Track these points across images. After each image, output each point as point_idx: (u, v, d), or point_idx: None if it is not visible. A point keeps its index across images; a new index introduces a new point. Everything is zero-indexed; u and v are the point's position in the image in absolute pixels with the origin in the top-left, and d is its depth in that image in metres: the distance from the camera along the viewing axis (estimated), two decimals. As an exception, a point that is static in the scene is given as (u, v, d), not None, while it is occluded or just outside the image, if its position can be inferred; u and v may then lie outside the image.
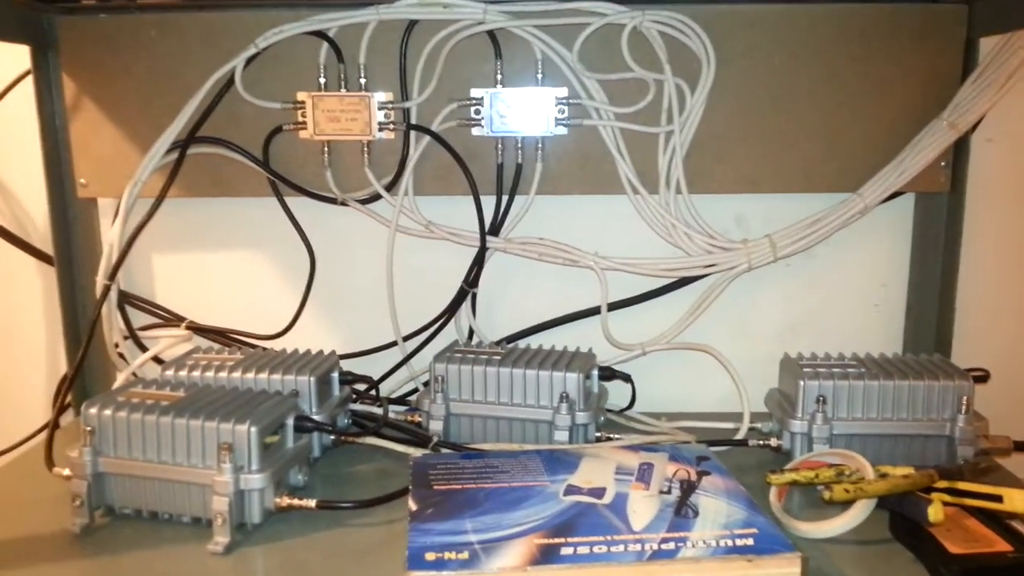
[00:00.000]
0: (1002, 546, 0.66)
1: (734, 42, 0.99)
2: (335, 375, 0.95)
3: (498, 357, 0.95)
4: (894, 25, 1.00)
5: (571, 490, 0.73)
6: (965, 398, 0.85)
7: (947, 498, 0.72)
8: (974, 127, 1.00)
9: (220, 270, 1.11)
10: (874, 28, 1.00)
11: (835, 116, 1.02)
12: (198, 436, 0.75)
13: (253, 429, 0.74)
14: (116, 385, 1.05)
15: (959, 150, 1.01)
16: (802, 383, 0.87)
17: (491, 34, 1.00)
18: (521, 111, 1.01)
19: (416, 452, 0.90)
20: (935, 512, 0.67)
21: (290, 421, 0.80)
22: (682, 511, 0.69)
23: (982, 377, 0.91)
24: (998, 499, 0.70)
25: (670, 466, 0.77)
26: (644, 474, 0.75)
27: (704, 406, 1.06)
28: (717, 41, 0.98)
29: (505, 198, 1.04)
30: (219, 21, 1.00)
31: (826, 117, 1.02)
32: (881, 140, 1.01)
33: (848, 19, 0.99)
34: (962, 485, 0.72)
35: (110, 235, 1.02)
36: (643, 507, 0.69)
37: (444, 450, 0.90)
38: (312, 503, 0.76)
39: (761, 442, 0.90)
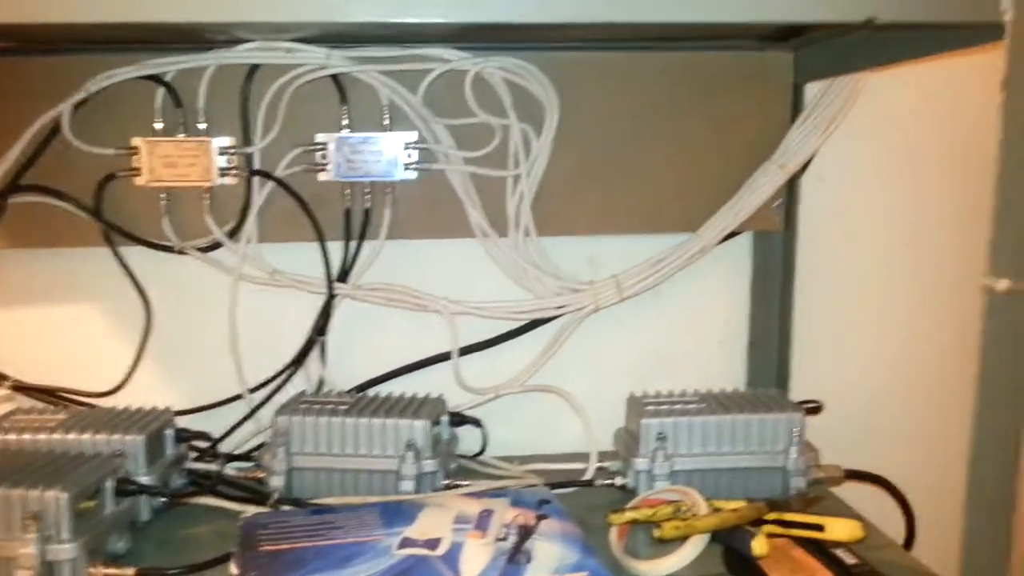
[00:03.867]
0: (823, 574, 0.68)
1: (578, 87, 1.01)
2: (169, 433, 0.91)
3: (344, 407, 0.93)
4: (727, 70, 1.04)
5: (406, 543, 0.71)
6: (797, 430, 0.88)
7: (776, 529, 0.73)
8: (804, 168, 1.05)
9: (50, 325, 1.04)
10: (709, 73, 1.04)
11: (676, 158, 1.05)
12: (2, 505, 0.69)
13: (64, 495, 0.69)
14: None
15: (791, 190, 1.06)
16: (644, 421, 0.88)
17: (335, 79, 0.99)
18: (369, 156, 1.00)
19: (255, 510, 0.86)
20: (759, 545, 0.68)
21: (109, 484, 0.76)
22: (515, 558, 0.68)
23: (815, 409, 0.94)
24: (820, 528, 0.72)
25: (510, 511, 0.77)
26: (483, 521, 0.74)
27: (557, 448, 1.05)
28: (561, 86, 1.00)
29: (354, 244, 1.03)
30: (46, 65, 0.96)
31: (668, 159, 1.05)
32: (718, 181, 1.05)
33: (684, 64, 1.03)
34: (789, 516, 0.74)
35: (-78, 290, 0.95)
36: (477, 556, 0.68)
37: (285, 507, 0.87)
38: (131, 572, 0.72)
39: (608, 482, 0.91)
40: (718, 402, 0.92)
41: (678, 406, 0.90)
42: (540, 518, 0.75)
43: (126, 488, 0.77)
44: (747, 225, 1.04)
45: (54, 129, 0.96)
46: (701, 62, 1.04)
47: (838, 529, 0.71)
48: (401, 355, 1.08)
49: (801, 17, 0.75)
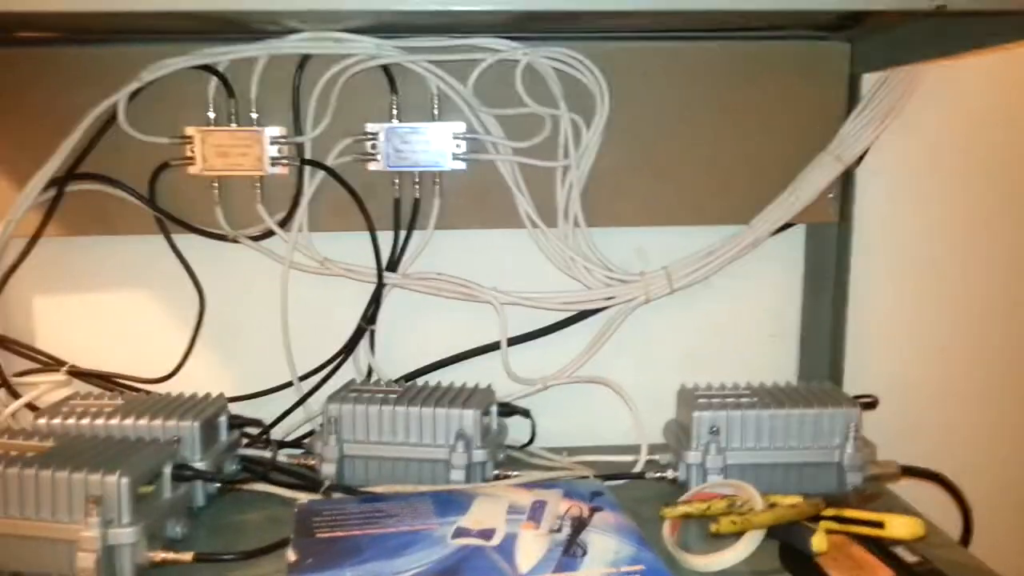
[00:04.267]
0: (884, 573, 0.67)
1: (628, 78, 1.00)
2: (222, 419, 0.91)
3: (394, 396, 0.93)
4: (782, 61, 1.02)
5: (460, 532, 0.71)
6: (853, 425, 0.87)
7: (833, 526, 0.72)
8: (859, 160, 1.03)
9: (105, 312, 1.06)
10: (763, 64, 1.02)
11: (727, 150, 1.03)
12: (64, 489, 0.70)
13: (124, 480, 0.70)
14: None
15: (846, 183, 1.04)
16: (696, 414, 0.87)
17: (385, 69, 0.99)
18: (418, 146, 1.00)
19: (307, 496, 0.87)
20: (818, 541, 0.67)
21: (167, 470, 0.76)
22: (571, 550, 0.68)
23: (870, 404, 0.93)
24: (880, 525, 0.70)
25: (563, 503, 0.76)
26: (536, 513, 0.74)
27: (606, 439, 1.05)
28: (611, 77, 0.99)
29: (403, 233, 1.03)
30: (102, 55, 0.97)
31: (718, 151, 1.03)
32: (771, 173, 1.03)
33: (738, 55, 1.02)
34: (847, 512, 0.73)
35: (-21, 276, 0.97)
36: (532, 547, 0.68)
37: (337, 494, 0.87)
38: (188, 556, 0.73)
39: (658, 474, 0.90)
40: (771, 396, 0.91)
41: (730, 399, 0.89)
42: (594, 510, 0.75)
43: (183, 474, 0.78)
44: (801, 217, 1.03)
45: (110, 118, 0.97)
46: (755, 52, 1.02)
47: (898, 526, 0.69)
48: (449, 345, 1.08)
49: (871, 5, 0.74)
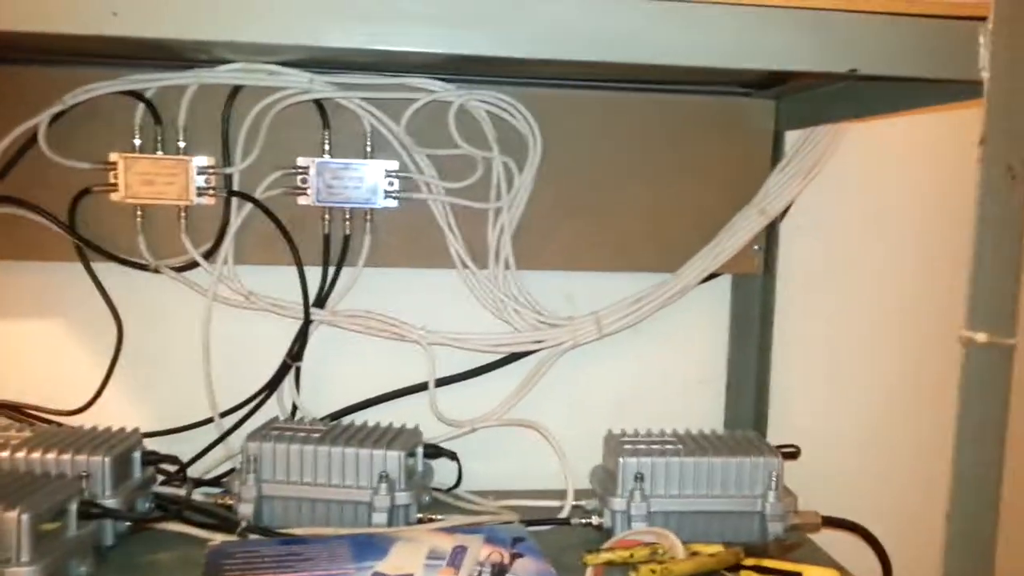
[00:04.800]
0: (800, 623, 0.67)
1: (560, 124, 1.02)
2: (136, 455, 0.88)
3: (317, 435, 0.91)
4: (709, 115, 1.05)
5: (377, 577, 0.69)
6: (775, 474, 0.88)
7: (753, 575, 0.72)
8: (784, 213, 1.06)
9: (18, 339, 1.02)
10: (691, 117, 1.05)
11: (657, 199, 1.05)
12: (-41, 526, 0.67)
13: (24, 516, 0.67)
14: None
15: (770, 235, 1.07)
16: (621, 460, 0.87)
17: (318, 103, 0.98)
18: (350, 182, 0.99)
19: (222, 537, 0.84)
20: (737, 591, 0.67)
21: (73, 506, 0.73)
22: (490, 597, 0.66)
23: (792, 453, 0.94)
24: None
25: (484, 548, 0.75)
26: (456, 558, 0.73)
27: (533, 484, 1.04)
28: (543, 122, 1.00)
29: (332, 270, 1.02)
30: (26, 75, 0.94)
31: (648, 199, 1.05)
32: (698, 223, 1.05)
33: (667, 107, 1.04)
34: (766, 562, 0.74)
35: None
36: (451, 594, 0.67)
37: (254, 535, 0.85)
38: (91, 599, 0.69)
39: (584, 520, 0.90)
40: (696, 443, 0.91)
41: (656, 446, 0.90)
42: (515, 556, 0.74)
43: (90, 511, 0.74)
44: (726, 268, 1.05)
45: (30, 140, 0.94)
46: (683, 105, 1.05)
47: (815, 576, 0.70)
48: (376, 384, 1.06)
49: (788, 65, 0.75)
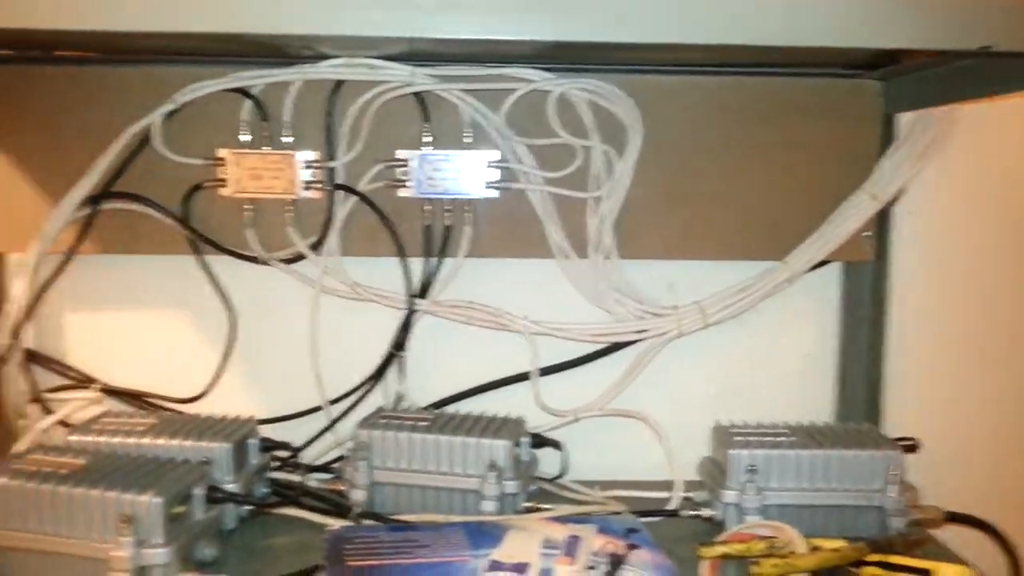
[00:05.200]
0: (933, 621, 0.65)
1: (661, 110, 1.00)
2: (253, 442, 0.91)
3: (425, 423, 0.92)
4: (815, 97, 1.02)
5: (494, 566, 0.69)
6: (895, 467, 0.85)
7: (878, 572, 0.70)
8: (895, 198, 1.02)
9: (136, 330, 1.06)
10: (797, 100, 1.02)
11: (761, 185, 1.03)
12: (97, 507, 0.70)
13: (157, 500, 0.69)
14: (15, 451, 0.99)
15: (882, 221, 1.03)
16: (732, 452, 0.86)
17: (419, 96, 0.99)
18: (450, 173, 1.00)
19: (336, 522, 0.86)
20: (865, 586, 0.65)
21: (199, 491, 0.75)
22: (609, 587, 0.66)
23: (911, 447, 0.91)
24: (927, 573, 0.69)
25: (598, 539, 0.75)
26: (571, 548, 0.73)
27: (637, 474, 1.03)
28: (644, 109, 0.99)
29: (434, 260, 1.02)
30: (138, 75, 0.97)
31: (753, 185, 1.03)
32: (806, 209, 1.02)
33: (772, 91, 1.01)
34: (893, 559, 0.71)
35: (15, 291, 0.97)
36: (569, 583, 0.66)
37: (367, 521, 0.86)
38: (220, 580, 0.72)
39: (693, 512, 0.89)
40: (809, 435, 0.89)
41: (768, 438, 0.88)
42: (630, 547, 0.73)
43: (215, 495, 0.77)
44: (836, 255, 1.02)
45: (144, 139, 0.98)
46: (789, 88, 1.02)
47: (948, 575, 0.68)
48: (478, 374, 1.07)
49: (915, 44, 0.73)
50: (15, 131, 0.98)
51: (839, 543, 0.73)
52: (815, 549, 0.73)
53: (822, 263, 1.03)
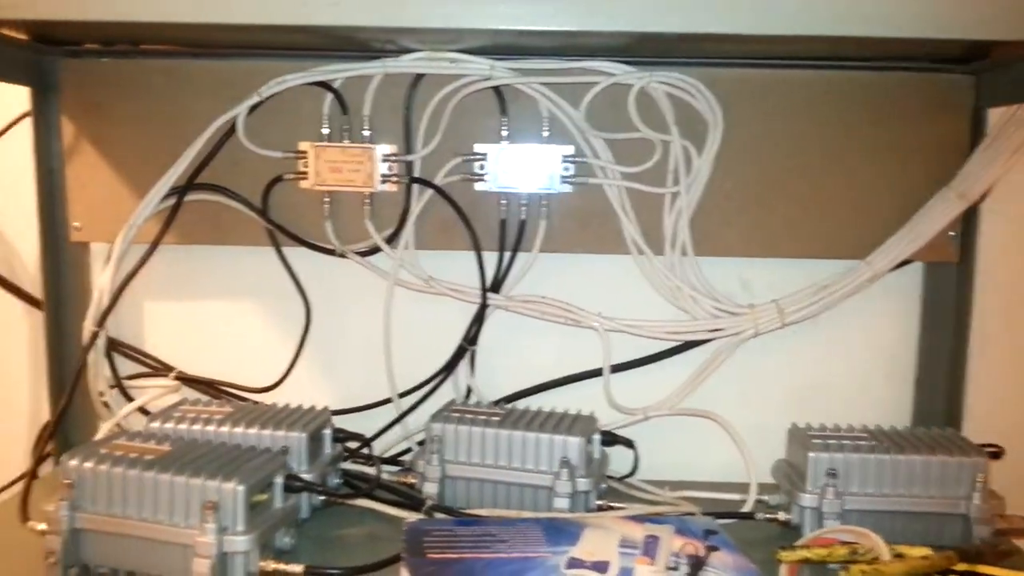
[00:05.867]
0: (1028, 636, 0.63)
1: (742, 105, 0.99)
2: (327, 432, 0.91)
3: (497, 418, 0.92)
4: (902, 92, 0.99)
5: (574, 563, 0.69)
6: (980, 475, 0.82)
7: (967, 582, 0.68)
8: (982, 198, 0.99)
9: (212, 319, 1.08)
10: (882, 96, 0.99)
11: (843, 182, 1.01)
12: (182, 493, 0.71)
13: (240, 488, 0.70)
14: (99, 435, 1.02)
15: (968, 221, 1.00)
16: (812, 455, 0.84)
17: (497, 90, 0.99)
18: (527, 168, 0.99)
19: (408, 515, 0.87)
20: (957, 597, 0.63)
21: (279, 480, 0.76)
22: (690, 589, 0.65)
23: (996, 453, 0.88)
24: (1021, 585, 0.66)
25: (676, 539, 0.74)
26: (650, 548, 0.72)
27: (706, 475, 1.02)
28: (725, 104, 0.97)
29: (508, 255, 1.02)
30: (222, 69, 0.99)
31: (834, 182, 1.01)
32: (889, 207, 1.00)
33: (856, 86, 0.99)
34: (983, 569, 0.69)
35: (101, 280, 0.99)
36: (649, 583, 0.66)
37: (437, 514, 0.87)
38: (299, 569, 0.72)
39: (768, 515, 0.87)
40: (890, 440, 0.87)
41: (847, 441, 0.86)
42: (709, 549, 0.72)
43: (294, 484, 0.78)
44: (920, 255, 0.99)
45: (228, 131, 0.99)
46: (874, 82, 0.99)
47: (1043, 587, 0.65)
48: (547, 369, 1.07)
49: (1013, 35, 0.71)
50: (102, 124, 1.01)
51: (925, 551, 0.71)
52: (898, 556, 0.71)
53: (904, 263, 1.00)
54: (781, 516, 0.86)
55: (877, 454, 0.83)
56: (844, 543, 0.75)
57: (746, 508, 0.92)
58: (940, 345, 1.03)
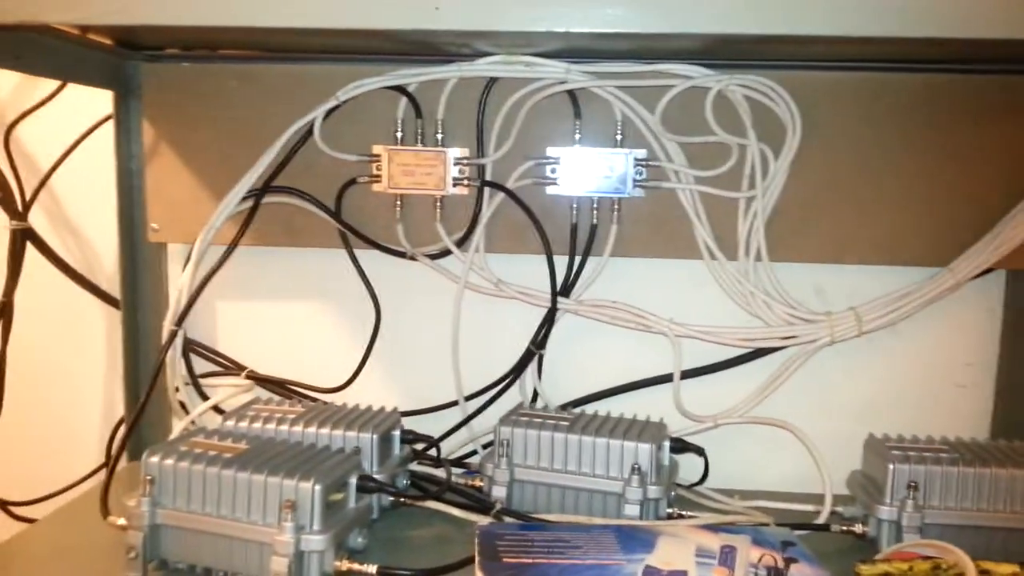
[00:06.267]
0: None
1: (820, 108, 0.97)
2: (396, 433, 0.92)
3: (566, 423, 0.91)
4: (985, 95, 0.96)
5: (650, 571, 0.68)
6: (1070, 492, 0.80)
7: (1058, 602, 0.66)
8: (1070, 204, 0.96)
9: (283, 319, 1.09)
10: (964, 99, 0.97)
11: (922, 187, 0.98)
12: (260, 491, 0.72)
13: (317, 487, 0.71)
14: (175, 433, 1.04)
15: (1054, 227, 0.97)
16: (891, 467, 0.82)
17: (571, 93, 0.98)
18: (599, 171, 0.99)
19: (476, 518, 0.87)
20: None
21: (353, 480, 0.77)
22: (770, 601, 0.64)
23: (1085, 469, 0.85)
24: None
25: (754, 550, 0.73)
26: (727, 558, 0.71)
27: (775, 484, 1.00)
28: (803, 107, 0.96)
29: (578, 259, 1.02)
30: (300, 73, 1.01)
31: (913, 188, 0.98)
32: (971, 214, 0.97)
33: (937, 89, 0.97)
34: (1075, 588, 0.66)
35: (180, 280, 1.01)
36: (727, 594, 0.65)
37: (506, 518, 0.86)
38: (372, 569, 0.73)
39: (844, 527, 0.85)
40: (972, 452, 0.84)
41: (928, 453, 0.83)
42: (788, 561, 0.71)
43: (367, 485, 0.78)
44: (1005, 262, 0.96)
45: (305, 135, 1.00)
46: (957, 85, 0.97)
47: None
48: (615, 374, 1.06)
49: None
50: (182, 127, 1.03)
51: (1013, 568, 0.69)
52: (985, 573, 0.69)
53: (986, 271, 0.97)
54: (858, 528, 0.84)
55: (960, 467, 0.81)
56: (926, 558, 0.73)
57: (821, 519, 0.90)
58: (1021, 355, 0.99)
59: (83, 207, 1.11)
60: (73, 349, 1.14)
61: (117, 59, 1.00)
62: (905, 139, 0.98)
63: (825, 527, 0.86)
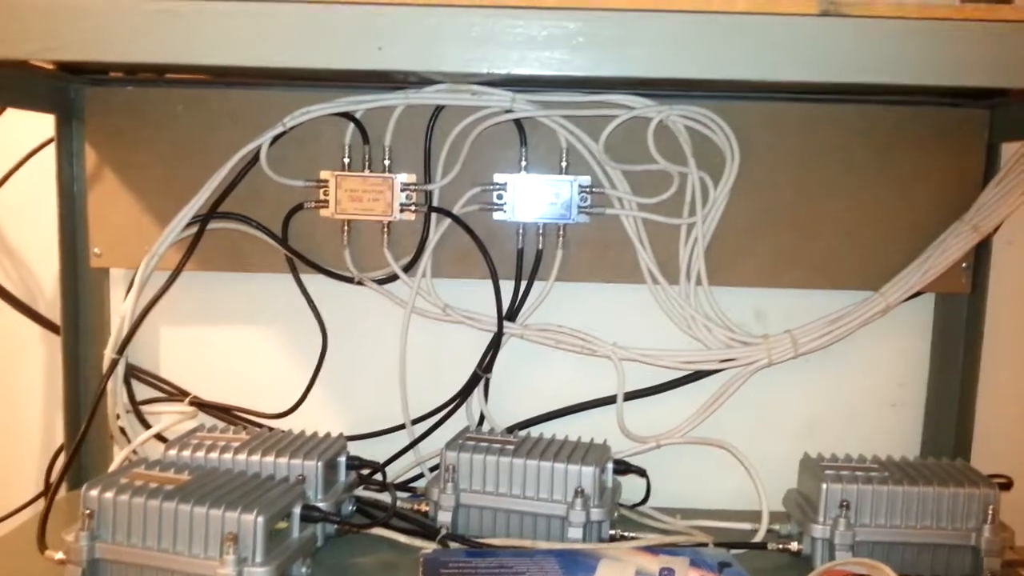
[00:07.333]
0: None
1: (758, 137, 1.00)
2: (342, 459, 0.92)
3: (511, 447, 0.92)
4: (917, 126, 1.01)
5: (590, 596, 0.70)
6: (991, 507, 0.83)
7: (980, 618, 0.69)
8: (995, 230, 1.00)
9: (229, 345, 1.09)
10: (898, 129, 1.01)
11: (858, 214, 1.02)
12: (202, 524, 0.72)
13: (260, 519, 0.71)
14: (116, 462, 1.03)
15: (980, 253, 1.01)
16: (825, 486, 0.84)
17: (517, 121, 1.00)
18: (545, 198, 1.01)
19: (421, 544, 0.87)
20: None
21: (297, 510, 0.77)
22: (706, 624, 0.66)
23: (1006, 485, 0.89)
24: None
25: (692, 572, 0.75)
26: (665, 580, 0.73)
27: (717, 503, 1.03)
28: (741, 136, 0.98)
29: (524, 284, 1.03)
30: (247, 98, 1.01)
31: (849, 215, 1.02)
32: (903, 239, 1.01)
33: (872, 119, 1.00)
34: (996, 604, 0.69)
35: (122, 307, 1.00)
36: (665, 617, 0.66)
37: (451, 544, 0.87)
38: (317, 599, 0.73)
39: (780, 546, 0.88)
40: (902, 471, 0.87)
41: (860, 472, 0.86)
42: (724, 582, 0.73)
43: (311, 515, 0.78)
44: (933, 286, 1.00)
45: (251, 160, 1.00)
46: (889, 116, 1.01)
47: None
48: (560, 397, 1.07)
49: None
50: (126, 151, 1.02)
51: (938, 587, 0.72)
52: (913, 591, 0.71)
53: (915, 294, 1.01)
54: (793, 546, 0.87)
55: (889, 485, 0.84)
56: (855, 575, 0.75)
57: (758, 538, 0.92)
58: (950, 376, 1.03)
59: (23, 231, 1.10)
60: (11, 375, 1.12)
61: (59, 83, 1.00)
62: (840, 166, 1.01)
63: (762, 545, 0.89)
